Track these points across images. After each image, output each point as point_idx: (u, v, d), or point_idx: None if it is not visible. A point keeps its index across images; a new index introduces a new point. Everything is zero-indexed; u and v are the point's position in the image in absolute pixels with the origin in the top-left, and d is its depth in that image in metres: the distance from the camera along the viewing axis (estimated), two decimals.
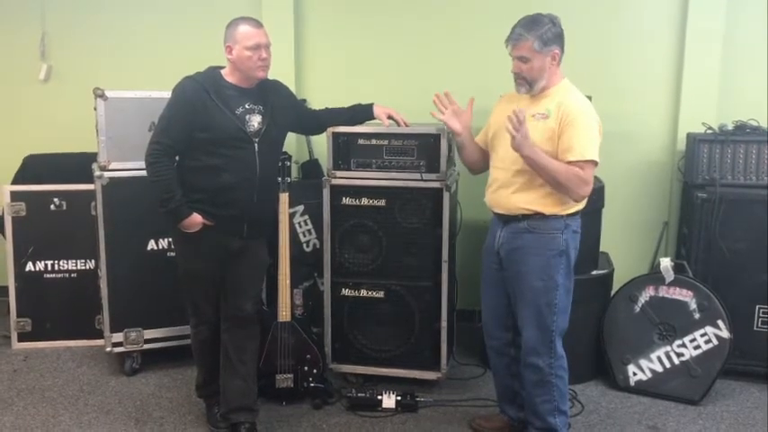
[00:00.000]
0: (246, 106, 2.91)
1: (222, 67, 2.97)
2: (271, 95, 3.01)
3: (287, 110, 3.10)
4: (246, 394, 3.10)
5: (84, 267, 4.08)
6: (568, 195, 2.74)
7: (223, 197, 2.89)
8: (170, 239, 3.57)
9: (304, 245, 4.02)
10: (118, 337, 3.66)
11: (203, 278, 3.02)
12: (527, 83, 2.76)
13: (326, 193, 3.45)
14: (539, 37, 2.68)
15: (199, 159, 2.88)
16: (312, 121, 3.40)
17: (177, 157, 2.92)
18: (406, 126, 3.32)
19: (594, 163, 2.71)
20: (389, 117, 3.30)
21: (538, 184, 2.76)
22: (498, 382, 3.14)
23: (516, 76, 2.78)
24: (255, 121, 2.92)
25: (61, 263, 4.07)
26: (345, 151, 3.44)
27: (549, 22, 2.72)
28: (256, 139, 2.91)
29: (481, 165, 3.07)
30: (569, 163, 2.68)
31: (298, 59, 4.30)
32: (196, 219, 2.88)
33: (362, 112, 3.35)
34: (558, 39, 2.74)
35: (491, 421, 3.21)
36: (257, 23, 2.91)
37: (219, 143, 2.86)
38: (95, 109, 3.50)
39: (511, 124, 2.63)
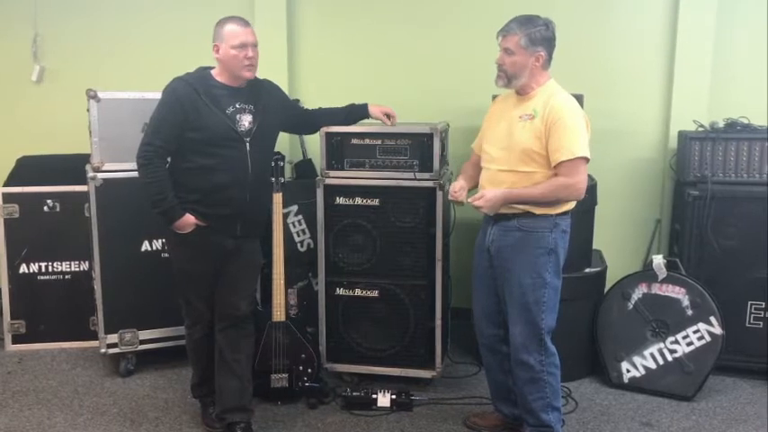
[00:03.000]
0: (237, 106, 2.91)
1: (212, 68, 2.97)
2: (262, 95, 3.01)
3: (278, 109, 3.10)
4: (242, 394, 3.10)
5: (78, 269, 4.07)
6: (567, 200, 2.79)
7: (216, 197, 2.90)
8: (164, 240, 3.56)
9: (298, 245, 4.02)
10: (112, 338, 3.66)
11: (197, 278, 3.02)
12: (506, 76, 2.80)
13: (320, 192, 3.46)
14: (527, 35, 2.72)
15: (191, 160, 2.88)
16: (306, 121, 3.40)
17: (169, 158, 2.92)
18: (393, 125, 3.33)
19: (586, 159, 2.73)
20: (387, 115, 3.31)
21: (528, 183, 2.78)
22: (491, 379, 3.15)
23: (498, 68, 2.82)
24: (246, 120, 2.92)
25: (55, 264, 4.06)
26: (339, 151, 3.44)
27: (542, 24, 2.75)
28: (248, 139, 2.91)
29: None
30: (561, 163, 2.70)
31: (291, 59, 4.30)
32: (189, 219, 2.89)
33: (357, 112, 3.35)
34: (546, 42, 2.76)
35: (486, 419, 3.22)
36: (244, 22, 2.91)
37: (211, 143, 2.86)
38: (88, 110, 3.49)
39: (478, 205, 2.78)
